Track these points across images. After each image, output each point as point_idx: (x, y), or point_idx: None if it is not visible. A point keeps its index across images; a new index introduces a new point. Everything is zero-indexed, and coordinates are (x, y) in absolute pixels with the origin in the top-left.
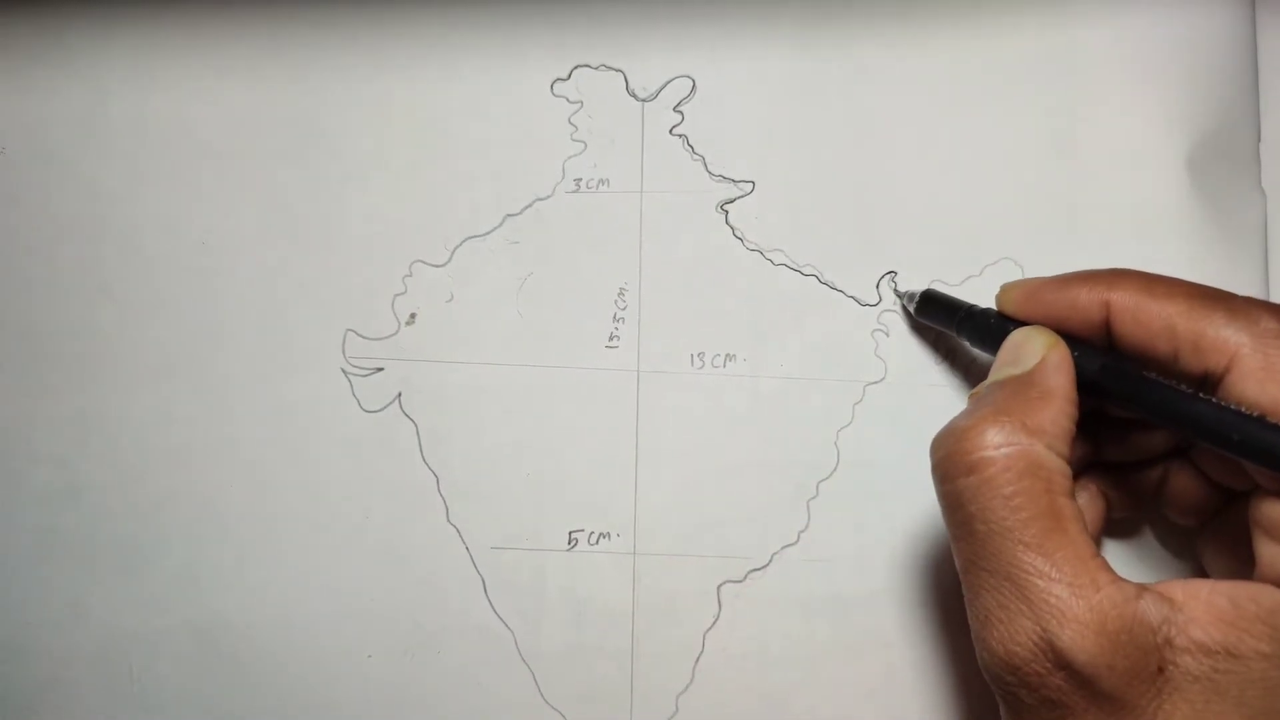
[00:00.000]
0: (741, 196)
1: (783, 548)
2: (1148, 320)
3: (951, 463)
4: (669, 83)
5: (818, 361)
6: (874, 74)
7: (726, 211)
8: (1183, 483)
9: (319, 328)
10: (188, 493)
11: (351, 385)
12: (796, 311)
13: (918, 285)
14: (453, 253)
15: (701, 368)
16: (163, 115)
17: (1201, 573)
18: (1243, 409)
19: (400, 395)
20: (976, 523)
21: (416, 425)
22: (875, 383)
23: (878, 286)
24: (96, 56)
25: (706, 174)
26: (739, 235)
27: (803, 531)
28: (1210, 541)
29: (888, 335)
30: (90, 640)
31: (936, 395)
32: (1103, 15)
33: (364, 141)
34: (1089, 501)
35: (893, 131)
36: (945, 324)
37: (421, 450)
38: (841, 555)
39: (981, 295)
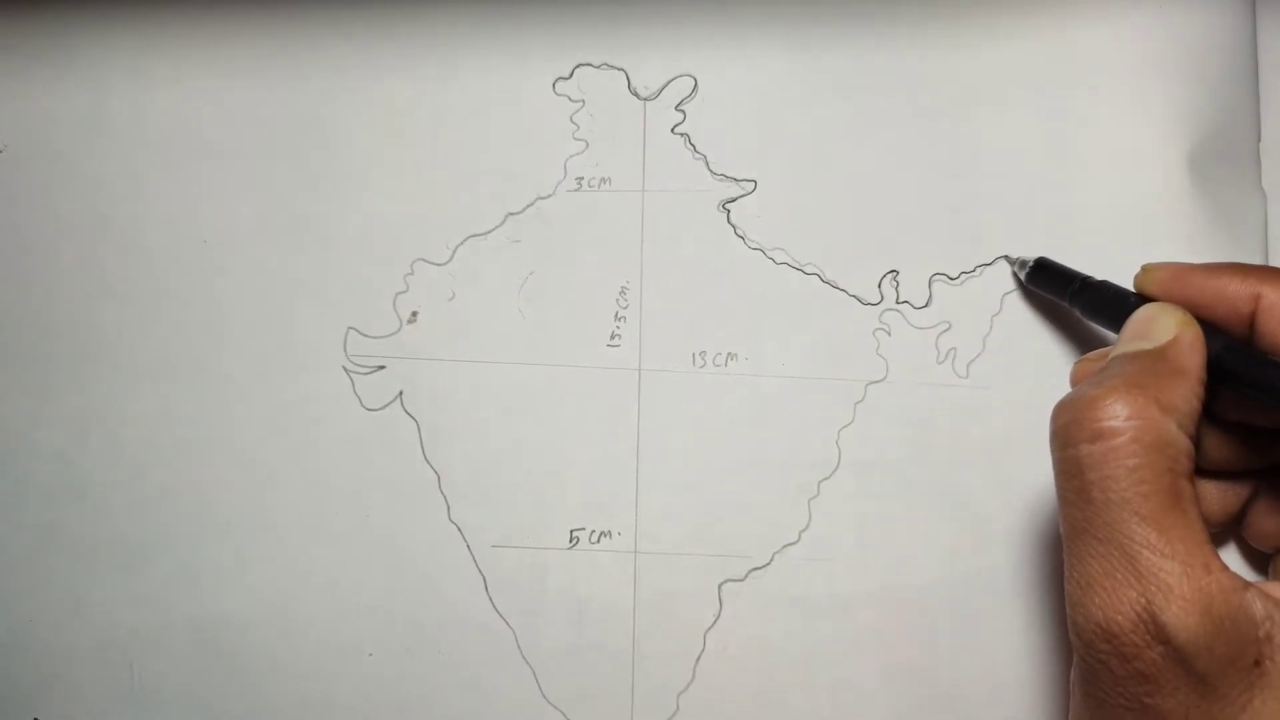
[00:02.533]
0: (743, 195)
1: (784, 547)
2: None
3: (1077, 428)
4: (671, 82)
5: (819, 360)
6: (875, 73)
7: (728, 210)
8: (1269, 504)
9: (320, 326)
10: (188, 491)
11: (353, 383)
12: (798, 310)
13: (1030, 254)
14: (454, 251)
15: (703, 366)
16: (163, 114)
17: None
18: None
19: (401, 393)
20: (1094, 489)
21: (418, 423)
22: (877, 382)
23: (879, 285)
24: (97, 56)
25: (708, 173)
26: (740, 234)
27: (804, 530)
28: None
29: (889, 334)
30: (90, 637)
31: (937, 394)
32: (1103, 16)
33: (365, 140)
34: None
35: (894, 130)
36: (1057, 293)
37: (423, 448)
38: (842, 554)
39: (981, 295)
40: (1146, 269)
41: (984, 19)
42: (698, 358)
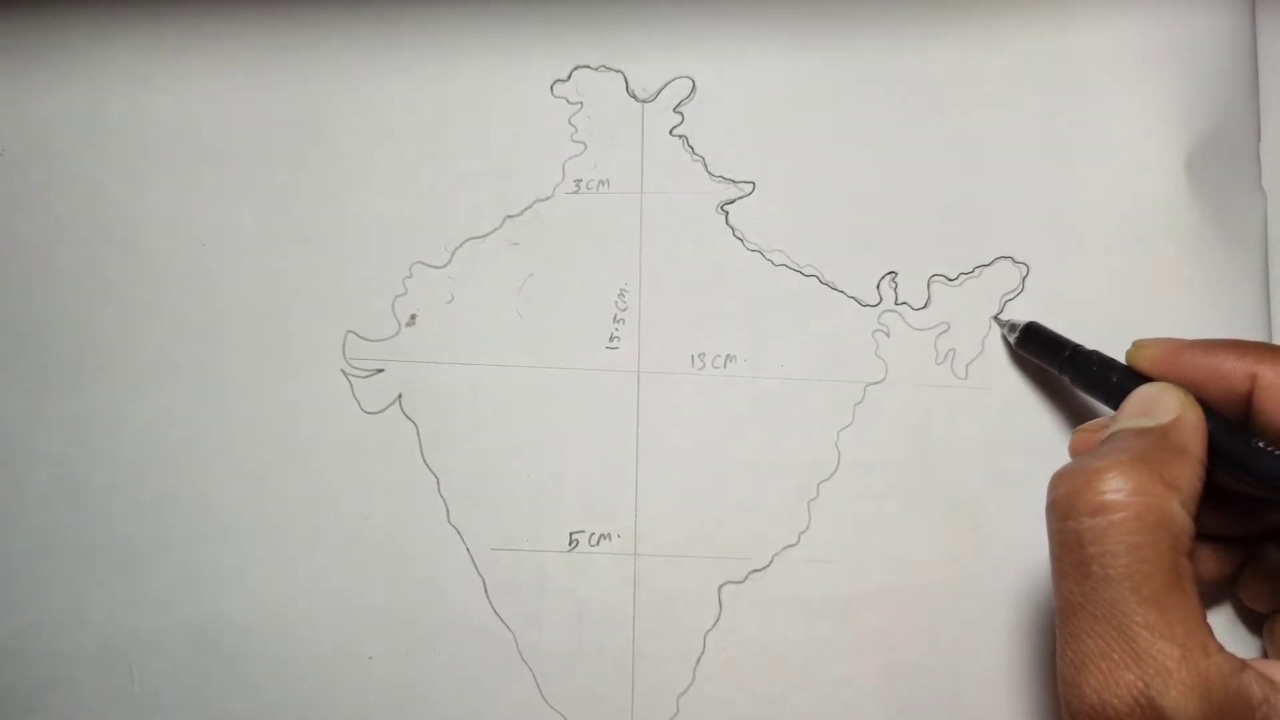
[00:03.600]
0: (742, 197)
1: (783, 548)
2: None
3: (1078, 499)
4: (669, 83)
5: (818, 362)
6: (874, 74)
7: (727, 212)
8: (1266, 567)
9: (319, 329)
10: (188, 493)
11: (352, 386)
12: (797, 312)
13: (1021, 316)
14: (453, 254)
15: (702, 368)
16: (163, 115)
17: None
18: None
19: (401, 396)
20: (1094, 565)
21: (417, 426)
22: (876, 383)
23: (878, 287)
24: (96, 57)
25: (707, 175)
26: (739, 236)
27: (803, 532)
28: None
29: (888, 336)
30: (90, 640)
31: (937, 396)
32: (1102, 16)
33: (364, 142)
34: None
35: (893, 132)
36: (1047, 360)
37: (422, 451)
38: (842, 556)
39: (980, 296)
40: (1139, 345)
41: (983, 20)
42: (697, 359)
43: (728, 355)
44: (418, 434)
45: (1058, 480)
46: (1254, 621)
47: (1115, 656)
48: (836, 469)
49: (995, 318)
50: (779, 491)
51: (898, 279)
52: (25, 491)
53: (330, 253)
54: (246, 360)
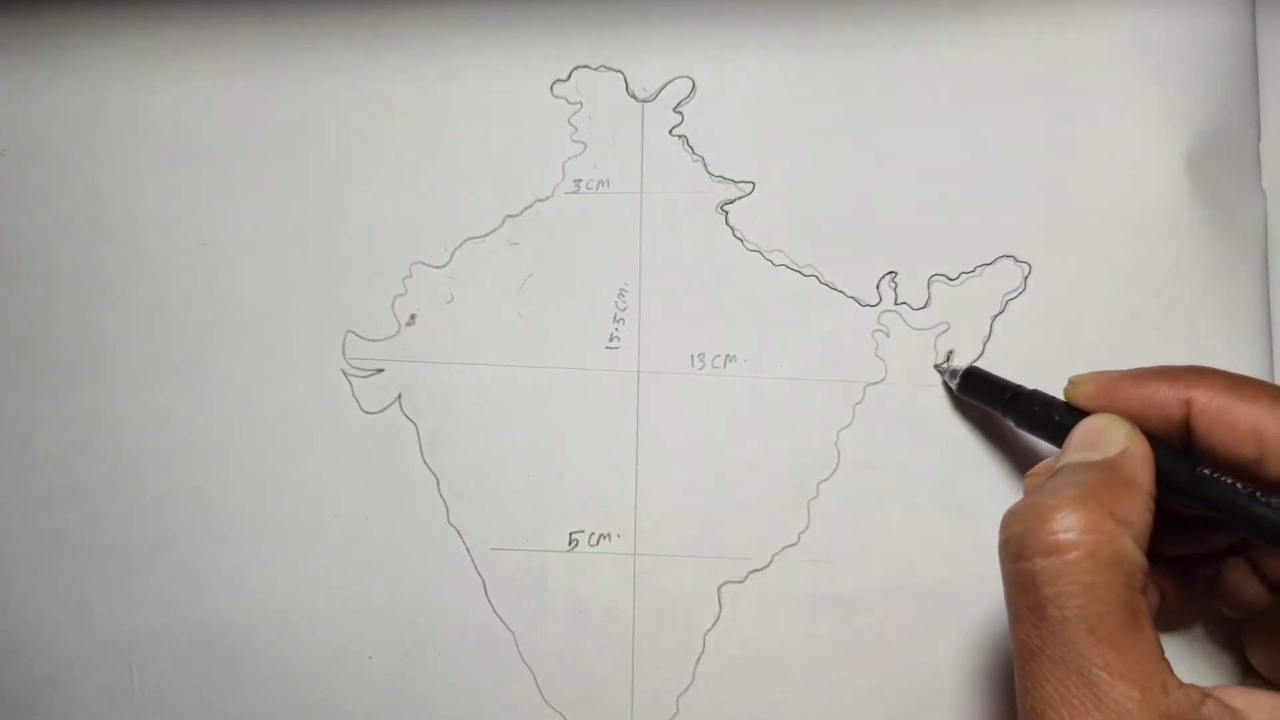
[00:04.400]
0: (741, 197)
1: (783, 548)
2: (1233, 422)
3: (1030, 540)
4: (669, 83)
5: (818, 362)
6: (874, 74)
7: (726, 212)
8: (1237, 577)
9: (319, 329)
10: (188, 493)
11: (352, 386)
12: (797, 312)
13: (960, 361)
14: (453, 254)
15: (702, 368)
16: (162, 116)
17: (1244, 662)
18: None
19: (400, 396)
20: (1050, 607)
21: (417, 426)
22: (876, 383)
23: (878, 287)
24: (96, 57)
25: (706, 174)
26: (739, 236)
27: (803, 532)
28: (1259, 634)
29: (888, 336)
30: (90, 640)
31: (937, 395)
32: (1102, 16)
33: (364, 142)
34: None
35: (893, 131)
36: (990, 403)
37: (422, 451)
38: (842, 556)
39: (981, 295)
40: (1074, 381)
41: (983, 19)
42: (696, 359)
43: (728, 355)
44: (418, 434)
45: (1009, 519)
46: (1225, 637)
47: (1076, 702)
48: (836, 469)
49: (936, 365)
50: (779, 491)
51: (898, 279)
52: (25, 491)
53: (330, 253)
54: (246, 360)
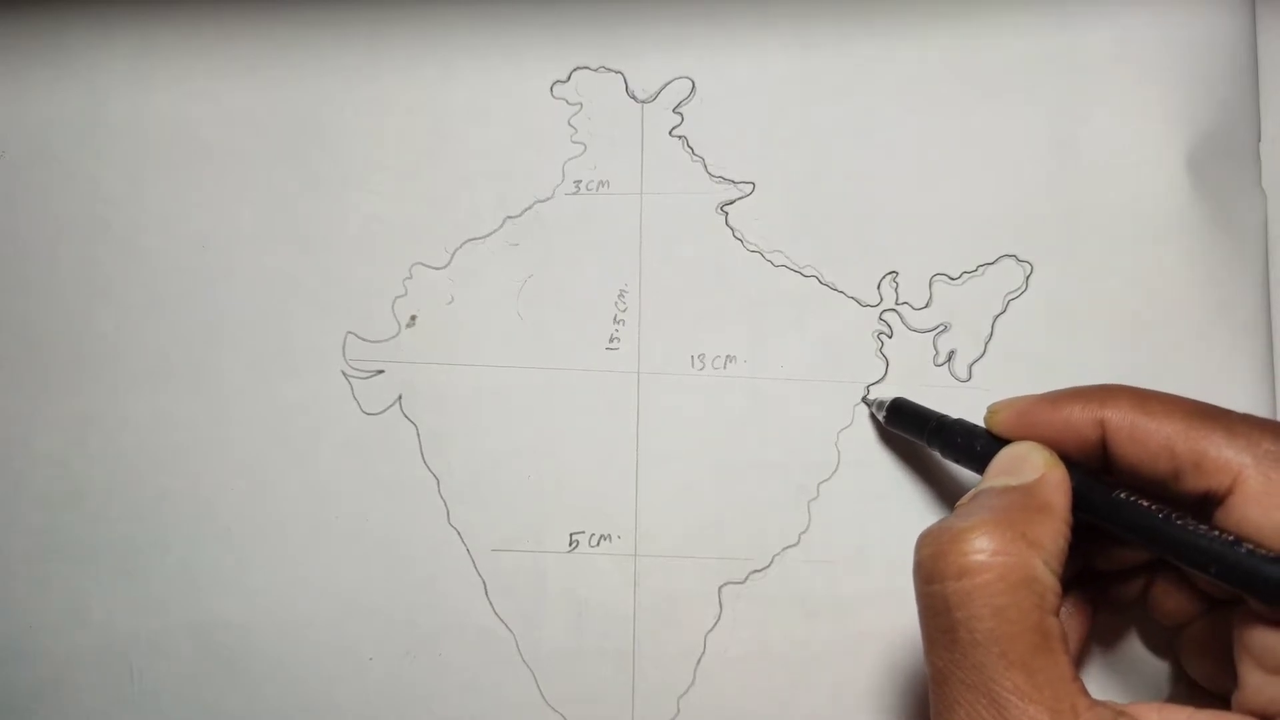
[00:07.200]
0: (741, 198)
1: (783, 549)
2: (1145, 439)
3: (942, 562)
4: (668, 84)
5: (818, 362)
6: (873, 74)
7: (726, 213)
8: (1168, 589)
9: (319, 330)
10: (188, 494)
11: (352, 388)
12: (797, 312)
13: (887, 394)
14: (453, 255)
15: (702, 369)
16: (162, 116)
17: (1179, 669)
18: (1221, 534)
19: (401, 398)
20: (961, 630)
21: (417, 428)
22: (876, 383)
23: (879, 287)
24: (96, 57)
25: (706, 175)
26: (739, 236)
27: (803, 533)
28: (1192, 644)
29: (889, 336)
30: (90, 641)
31: (937, 395)
32: (1103, 15)
33: (364, 143)
34: (1073, 612)
35: (893, 132)
36: (915, 434)
37: (422, 452)
38: (842, 556)
39: (983, 295)
40: (992, 410)
41: (983, 19)
42: (696, 360)
43: (728, 356)
44: (418, 435)
45: (922, 541)
46: (1161, 646)
47: None
48: (837, 469)
49: (864, 399)
50: (779, 492)
51: (898, 279)
52: (25, 491)
53: (330, 253)
54: (246, 361)
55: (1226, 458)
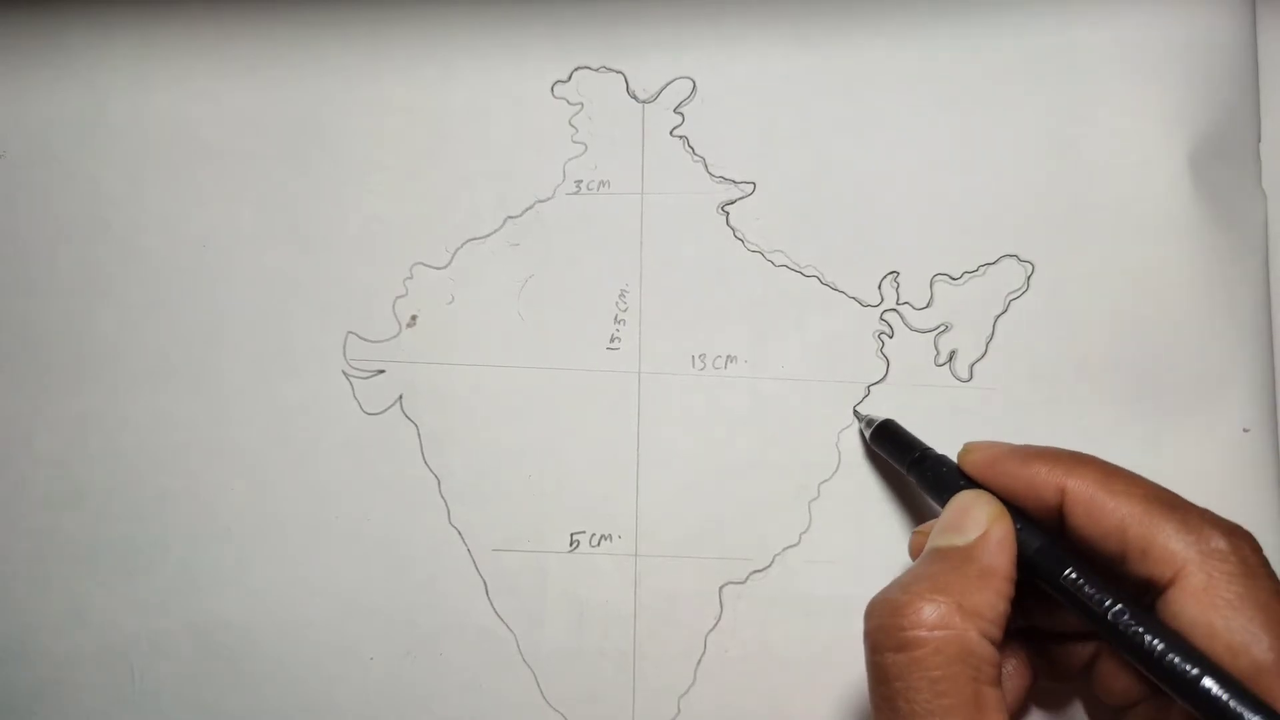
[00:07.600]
0: (742, 198)
1: (784, 549)
2: (1100, 516)
3: (883, 635)
4: (669, 84)
5: (819, 362)
6: (874, 74)
7: (727, 213)
8: (1114, 665)
9: (320, 330)
10: (188, 495)
11: (353, 387)
12: (798, 312)
13: (878, 413)
14: (453, 255)
15: (703, 369)
16: (163, 116)
17: None
18: (1157, 640)
19: (401, 397)
20: (900, 700)
21: (418, 427)
22: (877, 383)
23: (880, 287)
24: (96, 58)
25: (707, 175)
26: (740, 236)
27: (804, 533)
28: None
29: (890, 335)
30: (91, 641)
31: (938, 395)
32: (1103, 15)
33: (364, 143)
34: (1015, 670)
35: (893, 132)
36: (898, 460)
37: (423, 452)
38: (843, 556)
39: (984, 295)
40: (967, 449)
41: (984, 18)
42: (697, 360)
43: (728, 355)
44: (418, 435)
45: (870, 610)
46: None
47: None
48: (837, 469)
49: (856, 411)
50: (780, 492)
51: (899, 278)
52: (25, 492)
53: (330, 253)
54: (247, 361)
55: (1173, 550)
